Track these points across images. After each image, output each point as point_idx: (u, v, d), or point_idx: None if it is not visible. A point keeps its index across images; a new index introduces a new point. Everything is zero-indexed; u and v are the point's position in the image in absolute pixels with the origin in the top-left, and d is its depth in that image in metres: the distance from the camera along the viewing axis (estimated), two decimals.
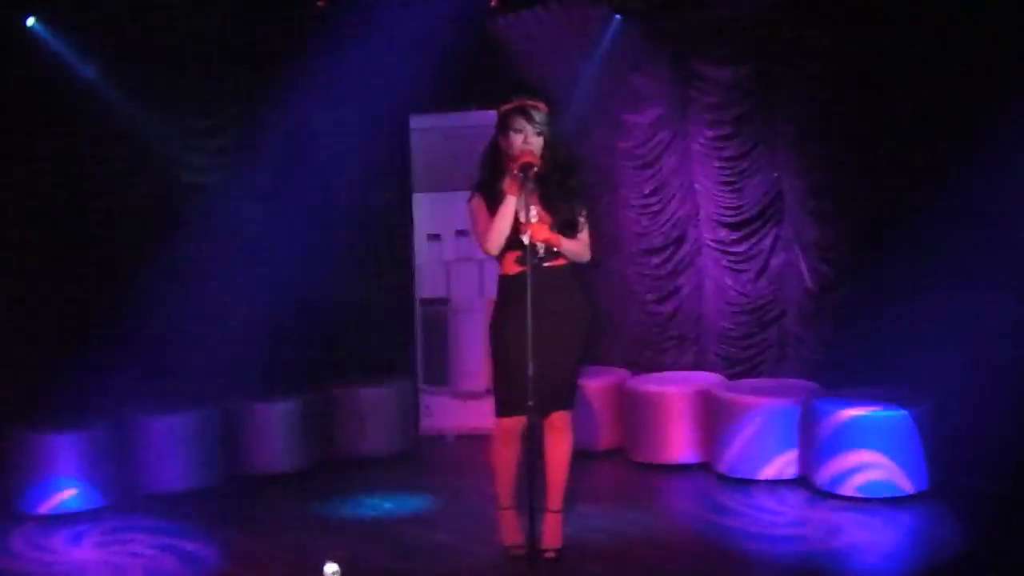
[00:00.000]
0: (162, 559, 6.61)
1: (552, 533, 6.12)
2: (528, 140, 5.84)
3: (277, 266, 8.92)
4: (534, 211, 5.85)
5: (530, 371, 5.48)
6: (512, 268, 5.95)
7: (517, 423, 5.90)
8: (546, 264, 5.85)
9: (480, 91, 9.13)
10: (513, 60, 9.13)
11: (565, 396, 6.03)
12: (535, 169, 5.76)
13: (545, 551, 6.04)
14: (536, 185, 5.85)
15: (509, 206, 5.82)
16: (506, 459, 6.06)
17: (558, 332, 5.83)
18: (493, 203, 5.93)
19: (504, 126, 5.93)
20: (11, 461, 7.44)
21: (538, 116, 5.86)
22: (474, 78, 9.25)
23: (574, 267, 6.03)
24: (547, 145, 5.89)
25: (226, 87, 8.59)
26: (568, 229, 5.93)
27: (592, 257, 6.15)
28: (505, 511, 6.21)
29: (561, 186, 5.93)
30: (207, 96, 8.53)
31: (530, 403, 5.53)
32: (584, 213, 6.02)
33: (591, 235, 6.10)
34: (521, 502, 5.86)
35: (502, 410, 6.04)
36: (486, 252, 5.97)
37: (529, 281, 5.50)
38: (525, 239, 5.71)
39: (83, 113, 8.11)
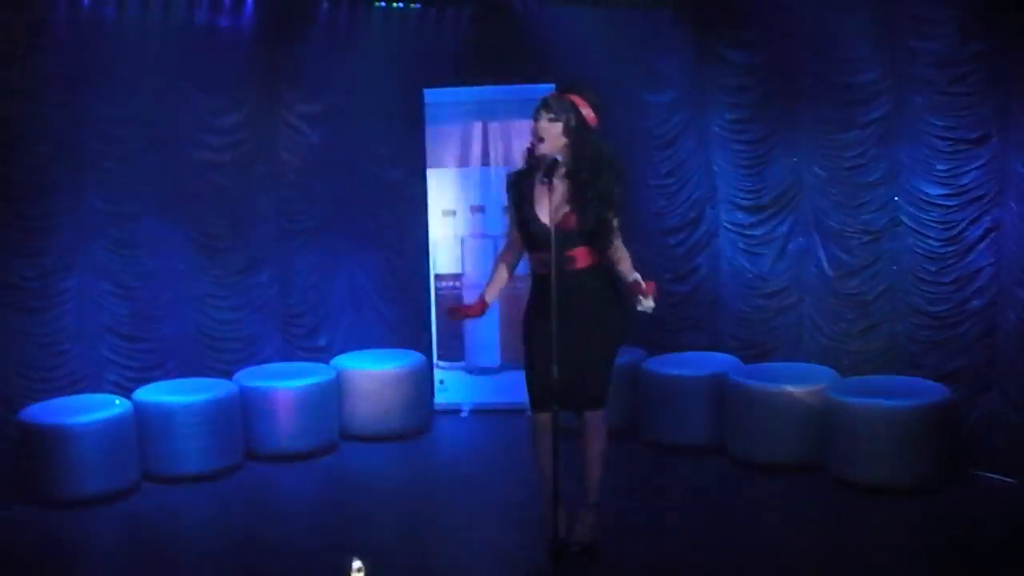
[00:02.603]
0: None
1: (583, 528, 6.11)
2: (542, 126, 5.76)
3: (292, 241, 8.92)
4: (566, 207, 5.78)
5: (555, 374, 5.46)
6: (539, 268, 5.92)
7: (548, 418, 5.82)
8: (570, 268, 5.75)
9: (495, 66, 9.11)
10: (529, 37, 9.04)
11: (596, 396, 5.99)
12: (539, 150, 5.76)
13: (572, 545, 6.03)
14: (564, 181, 5.80)
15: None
16: (541, 452, 6.01)
17: (586, 334, 5.78)
18: (516, 198, 5.94)
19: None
20: None
21: (556, 103, 5.78)
22: (490, 52, 9.18)
23: (603, 268, 5.91)
24: (572, 139, 5.78)
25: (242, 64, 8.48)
26: (594, 236, 5.81)
27: None
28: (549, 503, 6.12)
29: (591, 185, 5.77)
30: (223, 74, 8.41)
31: (555, 407, 5.52)
32: (617, 221, 5.87)
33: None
34: (567, 496, 5.82)
35: (532, 405, 6.07)
36: None
37: (553, 287, 5.45)
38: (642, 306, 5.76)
39: None
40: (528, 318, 6.04)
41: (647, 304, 5.76)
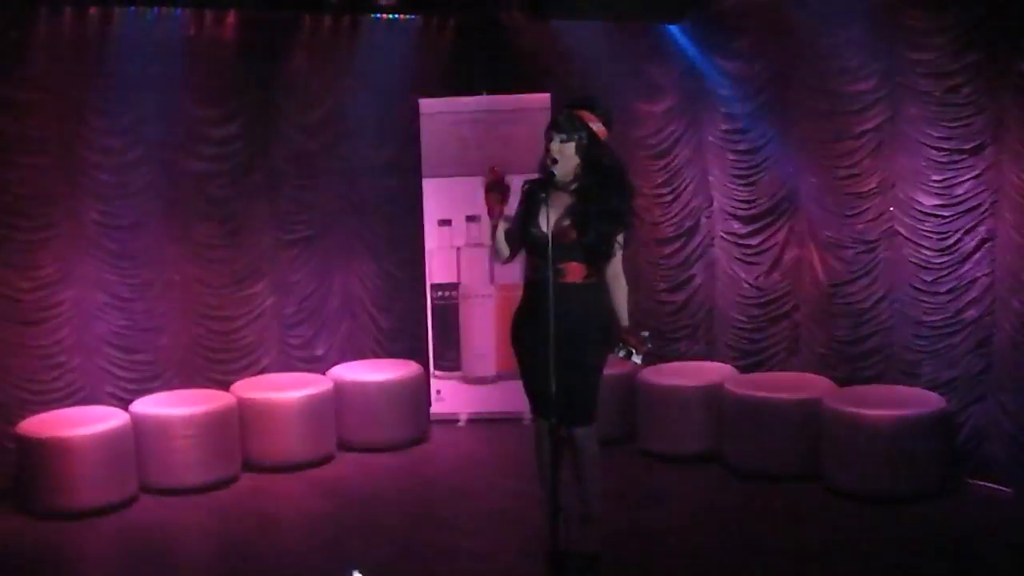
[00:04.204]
0: None
1: (584, 540, 6.07)
2: (553, 146, 5.76)
3: (288, 251, 8.93)
4: (568, 220, 5.78)
5: (553, 389, 5.45)
6: (530, 274, 5.94)
7: (545, 425, 5.82)
8: (560, 280, 5.69)
9: (491, 76, 9.12)
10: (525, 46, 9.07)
11: (580, 414, 5.92)
12: (551, 169, 5.74)
13: (573, 557, 5.97)
14: (573, 196, 5.82)
15: (489, 227, 5.91)
16: (539, 459, 6.01)
17: (570, 352, 5.62)
18: (525, 204, 5.94)
19: (544, 135, 5.88)
20: None
21: (567, 123, 5.78)
22: (485, 62, 9.21)
23: (595, 286, 5.89)
24: (583, 155, 5.78)
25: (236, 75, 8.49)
26: (592, 254, 5.80)
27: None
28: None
29: (600, 204, 5.77)
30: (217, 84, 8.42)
31: (553, 421, 5.53)
32: (621, 239, 5.86)
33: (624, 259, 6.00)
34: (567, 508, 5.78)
35: (531, 411, 6.12)
36: None
37: (552, 303, 5.42)
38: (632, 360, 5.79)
39: None
40: (516, 324, 6.05)
41: (636, 358, 5.80)
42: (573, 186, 5.83)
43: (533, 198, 5.86)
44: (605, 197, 5.79)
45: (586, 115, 5.81)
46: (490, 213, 5.85)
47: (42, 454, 7.25)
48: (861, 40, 7.51)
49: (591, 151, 5.81)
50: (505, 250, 5.93)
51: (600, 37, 8.72)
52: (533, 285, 5.86)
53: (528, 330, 5.85)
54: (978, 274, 7.19)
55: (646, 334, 5.89)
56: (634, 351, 5.79)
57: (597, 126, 5.82)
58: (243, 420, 8.06)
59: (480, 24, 9.31)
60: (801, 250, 8.12)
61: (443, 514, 7.22)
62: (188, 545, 7.01)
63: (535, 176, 5.90)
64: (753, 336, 8.42)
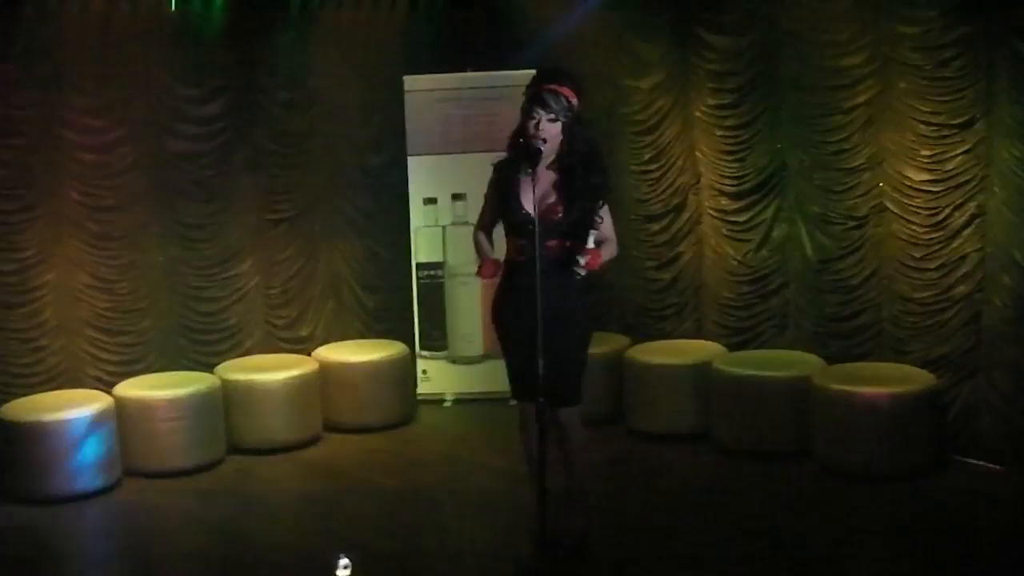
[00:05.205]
0: None
1: (571, 521, 6.04)
2: (541, 126, 5.66)
3: (272, 230, 8.86)
4: (552, 197, 5.71)
5: (540, 369, 5.34)
6: (514, 254, 5.85)
7: (529, 407, 5.71)
8: (547, 259, 5.58)
9: (476, 52, 9.04)
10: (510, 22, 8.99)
11: (567, 394, 5.87)
12: (539, 147, 5.60)
13: (561, 538, 5.96)
14: (552, 172, 5.74)
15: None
16: (527, 441, 5.93)
17: (557, 331, 5.54)
18: (500, 186, 5.86)
19: (522, 110, 5.75)
20: None
21: (554, 102, 5.65)
22: (470, 39, 9.12)
23: (577, 261, 5.72)
24: (568, 133, 5.70)
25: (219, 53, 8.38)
26: (576, 228, 5.69)
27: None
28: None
29: (583, 179, 5.71)
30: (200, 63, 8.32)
31: (540, 401, 5.43)
32: (600, 210, 5.77)
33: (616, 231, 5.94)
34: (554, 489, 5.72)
35: (513, 394, 6.08)
36: None
37: (539, 284, 5.27)
38: (581, 268, 5.60)
39: None
40: (499, 306, 5.99)
41: (578, 272, 5.61)
42: (554, 163, 5.75)
43: (509, 178, 5.80)
44: (586, 173, 5.73)
45: (566, 91, 5.71)
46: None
47: (24, 438, 7.18)
48: (851, 13, 7.44)
49: (574, 128, 5.73)
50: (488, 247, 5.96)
51: (587, 13, 8.62)
52: (517, 265, 5.78)
53: (513, 311, 5.77)
54: (968, 250, 7.13)
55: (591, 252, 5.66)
56: (579, 258, 5.59)
57: (576, 101, 5.73)
58: (228, 402, 7.98)
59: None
60: (790, 226, 8.05)
61: (430, 495, 7.18)
62: (174, 528, 6.94)
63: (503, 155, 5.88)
64: (742, 313, 8.36)
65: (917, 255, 7.33)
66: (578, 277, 5.66)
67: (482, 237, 6.04)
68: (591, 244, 5.62)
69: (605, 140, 8.51)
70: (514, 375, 5.97)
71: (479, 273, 5.90)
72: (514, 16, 9.03)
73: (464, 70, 8.97)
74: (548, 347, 5.36)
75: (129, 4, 7.95)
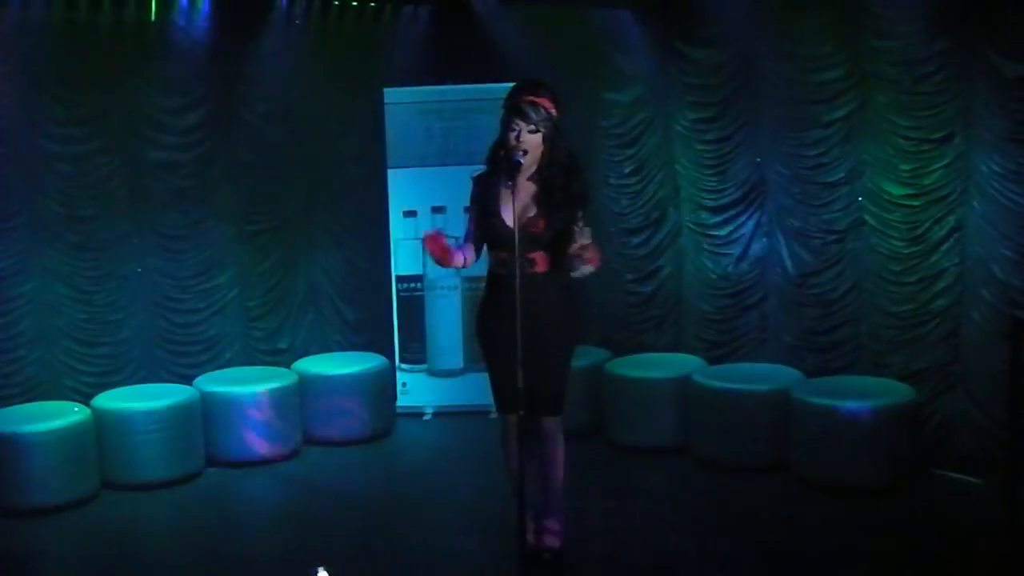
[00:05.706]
0: None
1: (549, 534, 6.04)
2: (522, 137, 5.65)
3: (251, 242, 8.84)
4: (534, 209, 5.69)
5: (520, 382, 5.36)
6: (498, 268, 5.84)
7: (512, 420, 5.71)
8: (530, 271, 5.63)
9: (455, 65, 9.03)
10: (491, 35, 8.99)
11: (551, 404, 5.89)
12: (519, 159, 5.56)
13: (541, 551, 5.98)
14: (532, 184, 5.73)
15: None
16: (509, 454, 5.90)
17: (541, 341, 5.62)
18: (482, 200, 5.84)
19: (502, 123, 5.74)
20: None
21: (535, 113, 5.64)
22: (450, 51, 9.12)
23: (561, 273, 5.76)
24: (548, 144, 5.69)
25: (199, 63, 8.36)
26: (558, 239, 5.69)
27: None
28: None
29: (564, 190, 5.70)
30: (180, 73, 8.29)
31: (521, 412, 5.44)
32: (581, 220, 5.72)
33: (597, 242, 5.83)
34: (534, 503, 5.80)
35: (497, 406, 6.06)
36: None
37: (519, 296, 5.29)
38: (579, 271, 5.60)
39: None
40: (483, 319, 5.98)
41: (583, 270, 5.60)
42: (534, 175, 5.73)
43: (491, 191, 5.79)
44: (566, 184, 5.72)
45: (545, 102, 5.70)
46: (447, 262, 5.74)
47: (1, 450, 7.10)
48: (830, 28, 7.47)
49: (555, 140, 5.72)
50: (472, 256, 5.88)
51: (566, 26, 8.66)
52: (500, 277, 5.77)
53: (497, 323, 5.75)
54: (947, 264, 7.18)
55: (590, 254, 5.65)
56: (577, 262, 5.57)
57: (555, 112, 5.72)
58: (206, 414, 7.93)
59: (445, 11, 9.20)
60: (770, 240, 8.08)
61: (409, 509, 7.14)
62: (151, 541, 6.88)
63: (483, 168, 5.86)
64: (721, 327, 8.38)
65: (896, 269, 7.35)
66: (581, 277, 5.66)
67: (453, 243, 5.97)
68: (587, 239, 5.62)
69: (585, 153, 8.55)
70: (498, 387, 5.95)
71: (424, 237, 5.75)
72: (494, 29, 9.01)
73: (444, 83, 8.96)
74: (532, 358, 5.38)
75: (110, 15, 7.92)
